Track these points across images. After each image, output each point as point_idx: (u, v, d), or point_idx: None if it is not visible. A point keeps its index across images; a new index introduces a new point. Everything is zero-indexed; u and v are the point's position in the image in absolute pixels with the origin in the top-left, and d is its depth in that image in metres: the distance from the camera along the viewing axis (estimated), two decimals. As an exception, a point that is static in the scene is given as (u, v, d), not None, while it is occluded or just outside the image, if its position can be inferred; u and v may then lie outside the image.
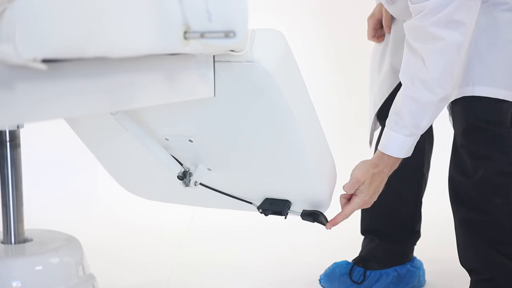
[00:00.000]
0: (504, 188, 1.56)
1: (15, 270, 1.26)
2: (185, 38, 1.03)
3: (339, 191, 1.51)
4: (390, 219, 1.85)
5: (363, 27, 1.82)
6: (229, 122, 1.36)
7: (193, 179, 1.45)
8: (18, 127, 1.28)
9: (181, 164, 1.45)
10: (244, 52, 1.21)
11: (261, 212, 1.51)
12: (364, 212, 1.90)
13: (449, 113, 1.61)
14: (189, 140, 1.41)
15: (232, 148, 1.42)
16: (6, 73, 0.78)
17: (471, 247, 1.61)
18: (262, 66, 1.22)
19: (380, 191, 1.52)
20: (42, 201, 2.54)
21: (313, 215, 1.49)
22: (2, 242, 1.32)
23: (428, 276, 1.93)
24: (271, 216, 2.58)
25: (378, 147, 1.52)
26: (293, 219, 2.52)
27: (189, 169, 1.45)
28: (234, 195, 1.53)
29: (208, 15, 1.03)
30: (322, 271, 1.89)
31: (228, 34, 1.02)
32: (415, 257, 1.90)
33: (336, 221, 1.49)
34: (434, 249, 2.05)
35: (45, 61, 0.77)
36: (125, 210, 2.59)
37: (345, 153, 2.62)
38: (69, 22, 0.80)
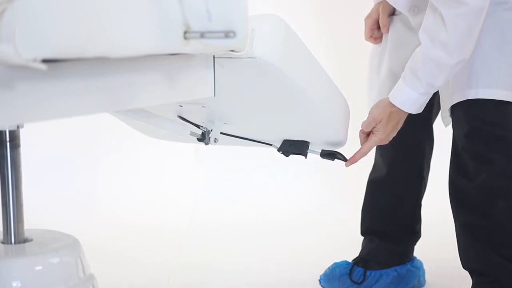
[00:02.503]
0: (507, 192, 1.56)
1: (15, 270, 1.25)
2: (185, 38, 1.03)
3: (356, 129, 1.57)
4: (390, 220, 1.85)
5: (363, 27, 1.82)
6: (239, 96, 1.38)
7: (212, 137, 1.48)
8: (18, 127, 1.28)
9: (198, 127, 1.48)
10: (245, 52, 1.21)
11: (282, 153, 1.56)
12: (365, 213, 1.90)
13: (449, 114, 1.60)
14: (202, 106, 1.44)
15: (246, 110, 1.46)
16: (6, 73, 0.78)
17: (473, 250, 1.60)
18: (265, 60, 1.23)
19: (399, 128, 1.55)
20: (42, 201, 2.54)
21: (331, 154, 1.54)
22: (2, 242, 1.32)
23: (428, 276, 1.93)
24: (271, 216, 2.59)
25: (389, 97, 1.52)
26: (294, 219, 2.53)
27: (206, 129, 1.47)
28: (252, 138, 1.58)
29: (208, 15, 1.02)
30: (322, 271, 1.89)
31: (228, 34, 1.02)
32: (415, 257, 1.90)
33: (355, 158, 1.54)
34: (434, 249, 2.05)
35: (45, 61, 0.77)
36: (125, 210, 2.59)
37: (343, 153, 2.61)
38: (69, 22, 0.80)
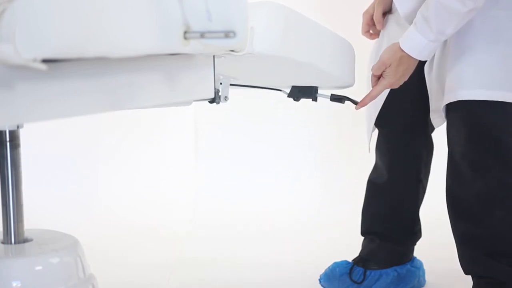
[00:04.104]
0: (506, 200, 1.54)
1: (15, 270, 1.25)
2: (185, 38, 1.03)
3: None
4: (390, 220, 1.85)
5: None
6: (242, 71, 1.42)
7: (222, 96, 1.47)
8: (18, 127, 1.28)
9: None
10: (245, 52, 1.21)
11: (293, 99, 1.58)
12: (365, 214, 1.90)
13: (443, 114, 1.59)
14: None
15: (251, 75, 1.50)
16: (6, 73, 0.78)
17: (472, 258, 1.60)
18: (265, 54, 1.24)
19: (410, 73, 1.54)
20: (42, 201, 2.54)
21: (341, 98, 1.57)
22: (2, 242, 1.32)
23: (428, 276, 1.93)
24: (270, 216, 2.59)
25: (399, 41, 1.52)
26: (294, 219, 2.53)
27: (215, 89, 1.47)
28: (262, 86, 1.61)
29: (208, 15, 1.03)
30: (322, 271, 1.89)
31: (228, 34, 1.02)
32: (415, 257, 1.90)
33: (364, 102, 1.55)
34: (434, 249, 2.05)
35: (45, 61, 0.77)
36: (125, 210, 2.59)
37: (343, 153, 2.62)
38: (69, 22, 0.80)
